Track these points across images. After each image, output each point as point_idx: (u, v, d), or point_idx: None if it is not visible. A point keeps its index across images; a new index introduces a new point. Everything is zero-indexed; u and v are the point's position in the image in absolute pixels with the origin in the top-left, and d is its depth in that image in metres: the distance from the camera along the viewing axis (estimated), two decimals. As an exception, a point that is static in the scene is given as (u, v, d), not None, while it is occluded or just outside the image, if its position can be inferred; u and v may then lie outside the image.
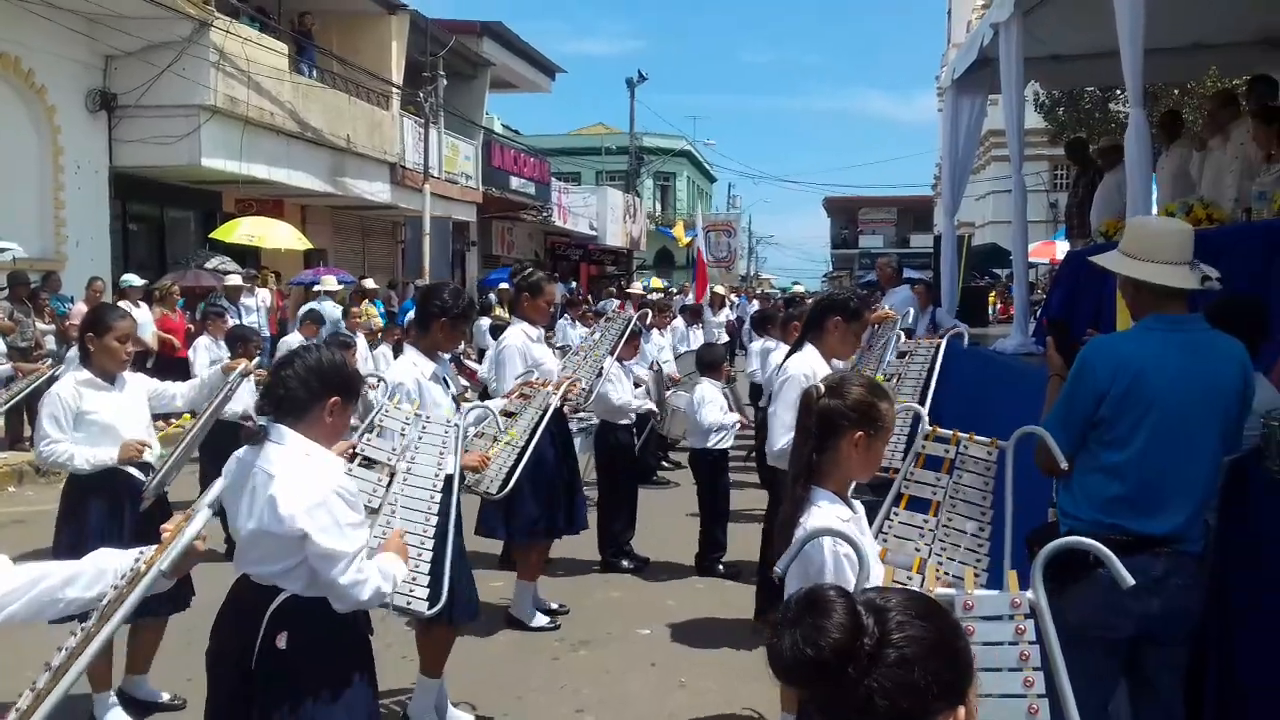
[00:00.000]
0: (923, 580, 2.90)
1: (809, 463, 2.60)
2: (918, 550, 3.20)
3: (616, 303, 16.15)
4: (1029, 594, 2.22)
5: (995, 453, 3.32)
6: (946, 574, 3.09)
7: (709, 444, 7.24)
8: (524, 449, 5.02)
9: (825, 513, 2.54)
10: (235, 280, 13.77)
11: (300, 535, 2.69)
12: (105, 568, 2.35)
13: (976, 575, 3.06)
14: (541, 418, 5.21)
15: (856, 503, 2.70)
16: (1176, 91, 16.67)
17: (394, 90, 20.36)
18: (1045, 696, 2.14)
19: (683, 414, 8.50)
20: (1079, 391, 3.09)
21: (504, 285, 17.70)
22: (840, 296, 4.72)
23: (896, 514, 3.31)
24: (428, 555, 3.50)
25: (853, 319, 4.51)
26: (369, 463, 3.64)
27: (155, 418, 4.80)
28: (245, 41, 15.36)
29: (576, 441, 7.44)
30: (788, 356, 4.65)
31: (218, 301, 12.04)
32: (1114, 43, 4.92)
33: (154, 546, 2.31)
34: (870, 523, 2.94)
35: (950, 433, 3.37)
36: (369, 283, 16.85)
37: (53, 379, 5.09)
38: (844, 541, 2.37)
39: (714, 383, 7.49)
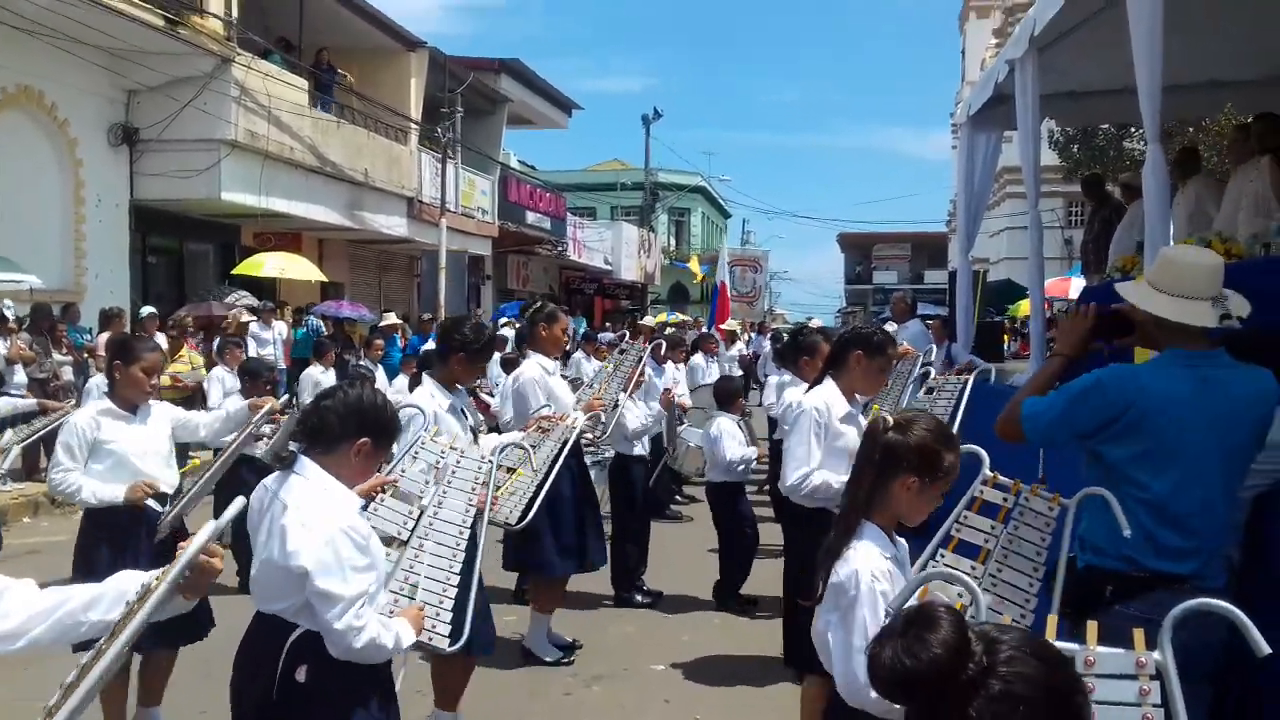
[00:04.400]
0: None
1: (867, 494, 2.57)
2: (960, 595, 3.13)
3: (612, 335, 16.13)
4: (1156, 655, 2.13)
5: (1056, 509, 3.26)
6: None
7: (728, 478, 7.21)
8: (544, 480, 5.01)
9: (869, 550, 2.51)
10: (242, 316, 13.85)
11: (301, 572, 2.67)
12: (127, 589, 2.34)
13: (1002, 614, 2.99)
14: (562, 449, 5.21)
15: (900, 540, 2.66)
16: (1192, 129, 16.68)
17: (412, 126, 20.56)
18: None
19: (695, 449, 8.47)
20: (1082, 409, 3.03)
21: (505, 320, 17.78)
22: (864, 331, 4.61)
23: (943, 555, 3.24)
24: (452, 590, 3.48)
25: (875, 354, 4.42)
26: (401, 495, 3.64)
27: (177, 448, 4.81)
28: (266, 77, 15.57)
29: (592, 474, 7.43)
30: (808, 390, 4.59)
31: (228, 335, 12.11)
32: (1130, 79, 4.92)
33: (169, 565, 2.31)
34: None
35: (1011, 481, 3.31)
36: (391, 317, 16.93)
37: None
38: (880, 577, 2.36)
39: (730, 416, 7.47)
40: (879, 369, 4.50)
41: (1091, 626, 2.30)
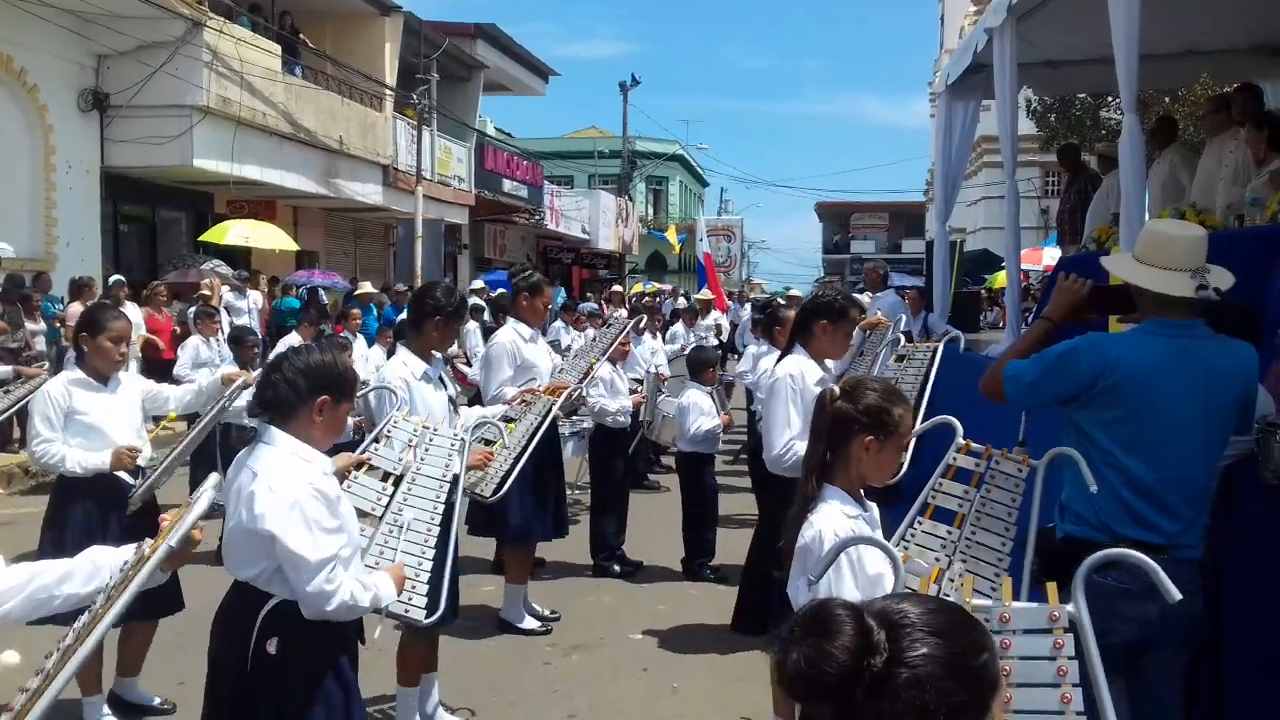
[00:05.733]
0: (956, 588, 2.88)
1: (821, 462, 2.65)
2: (937, 560, 3.18)
3: (594, 306, 16.12)
4: (1069, 607, 2.17)
5: (1025, 470, 3.31)
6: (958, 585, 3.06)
7: (695, 448, 7.23)
8: (521, 453, 5.00)
9: (831, 509, 2.59)
10: (220, 286, 13.68)
11: (270, 535, 2.67)
12: (101, 564, 2.34)
13: (982, 575, 3.04)
14: (540, 423, 5.20)
15: (871, 504, 2.72)
16: (1168, 99, 16.73)
17: (387, 92, 20.34)
18: (1084, 714, 2.09)
19: (671, 419, 8.49)
20: (1059, 373, 3.07)
21: (478, 284, 17.70)
22: (824, 299, 4.70)
23: (921, 523, 3.29)
24: (428, 565, 3.48)
25: (838, 319, 4.52)
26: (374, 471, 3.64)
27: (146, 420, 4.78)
28: (239, 42, 15.34)
29: (569, 446, 7.42)
30: (778, 361, 4.66)
31: (205, 304, 11.97)
32: (1108, 48, 4.93)
33: (152, 540, 2.30)
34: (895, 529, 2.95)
35: (983, 447, 3.36)
36: (366, 286, 16.82)
37: None
38: (861, 546, 2.38)
39: (701, 387, 7.46)
40: (845, 334, 4.63)
41: (1051, 587, 2.35)
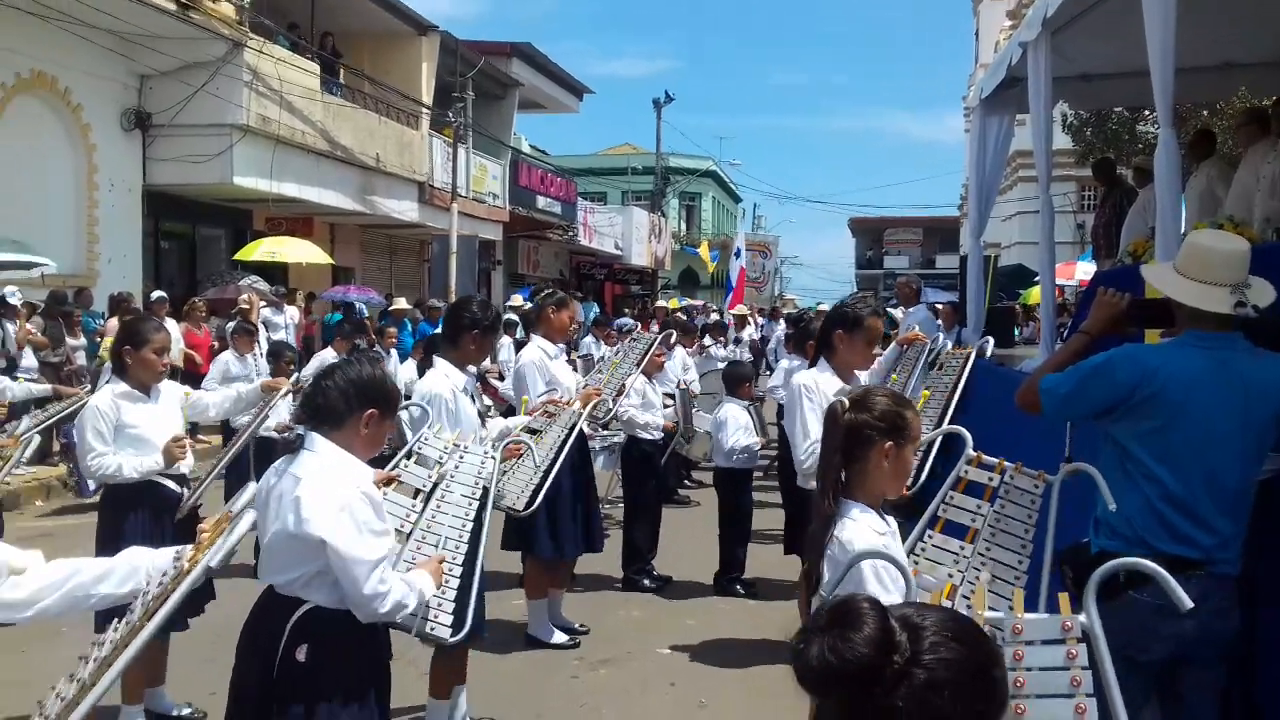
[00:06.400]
0: (968, 604, 2.85)
1: (837, 477, 2.60)
2: (950, 576, 3.14)
3: (632, 322, 16.14)
4: (1081, 618, 2.16)
5: (1041, 486, 3.26)
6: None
7: (732, 464, 7.21)
8: (550, 466, 5.01)
9: (860, 525, 2.53)
10: (258, 302, 13.81)
11: (319, 540, 2.69)
12: (138, 565, 2.38)
13: (997, 593, 3.00)
14: (568, 436, 5.21)
15: (890, 518, 2.67)
16: (1205, 112, 16.54)
17: (423, 110, 20.54)
18: None
19: (703, 434, 8.48)
20: (1094, 385, 3.04)
21: (517, 299, 17.73)
22: (841, 309, 4.71)
23: (931, 536, 3.25)
24: (455, 582, 3.50)
25: (854, 328, 4.50)
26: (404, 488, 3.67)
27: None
28: (278, 62, 15.57)
29: (599, 460, 7.43)
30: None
31: (243, 320, 12.10)
32: (1143, 62, 4.88)
33: (191, 546, 2.34)
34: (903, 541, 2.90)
35: (996, 460, 3.31)
36: (401, 302, 16.96)
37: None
38: (886, 560, 2.34)
39: (738, 402, 7.46)
40: (864, 341, 4.57)
41: (1063, 597, 2.33)
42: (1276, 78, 8.18)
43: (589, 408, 5.49)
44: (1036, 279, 15.61)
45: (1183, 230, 5.53)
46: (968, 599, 2.84)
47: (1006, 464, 3.30)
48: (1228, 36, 7.19)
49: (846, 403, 2.64)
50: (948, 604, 2.79)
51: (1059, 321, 9.88)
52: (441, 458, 3.87)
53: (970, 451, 3.32)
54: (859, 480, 2.60)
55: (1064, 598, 2.36)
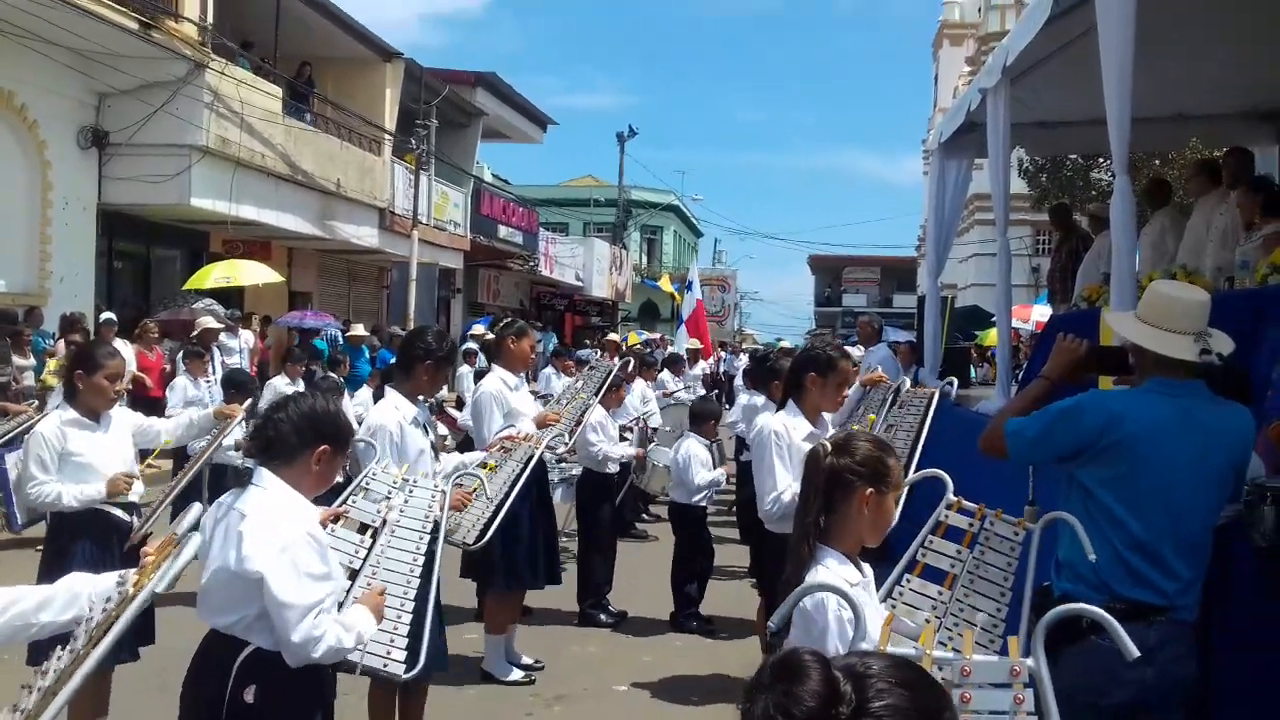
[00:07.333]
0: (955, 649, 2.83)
1: (815, 522, 2.51)
2: (928, 621, 3.11)
3: (597, 352, 16.11)
4: (1029, 661, 2.16)
5: (1021, 534, 3.26)
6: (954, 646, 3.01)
7: (692, 500, 7.19)
8: (502, 501, 4.96)
9: (832, 575, 2.45)
10: (209, 323, 13.49)
11: (257, 578, 2.62)
12: (79, 592, 2.31)
13: (978, 643, 2.99)
14: (522, 471, 5.17)
15: (866, 566, 2.60)
16: (1158, 161, 16.94)
17: (386, 136, 20.49)
18: None
19: (662, 468, 8.45)
20: (1060, 430, 3.06)
21: (478, 328, 17.60)
22: (813, 352, 4.67)
23: (909, 580, 3.23)
24: (407, 617, 3.44)
25: (827, 371, 4.47)
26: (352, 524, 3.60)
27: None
28: (239, 84, 15.45)
29: (558, 493, 7.38)
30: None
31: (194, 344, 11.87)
32: (1100, 110, 4.98)
33: (135, 570, 2.27)
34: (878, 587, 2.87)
35: (975, 506, 3.31)
36: (358, 328, 16.78)
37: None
38: (846, 604, 2.29)
39: (701, 440, 7.44)
40: (835, 385, 4.54)
41: (1013, 641, 2.35)
42: (1228, 129, 8.39)
43: (546, 441, 5.45)
44: (993, 320, 15.82)
45: (1136, 277, 5.62)
46: (944, 645, 2.82)
47: (986, 510, 3.30)
48: (1182, 88, 7.38)
49: (829, 446, 2.57)
50: (928, 649, 2.78)
51: (1014, 363, 10.00)
52: (390, 492, 3.81)
53: (950, 496, 3.32)
54: (838, 527, 2.51)
55: (1013, 641, 2.36)
